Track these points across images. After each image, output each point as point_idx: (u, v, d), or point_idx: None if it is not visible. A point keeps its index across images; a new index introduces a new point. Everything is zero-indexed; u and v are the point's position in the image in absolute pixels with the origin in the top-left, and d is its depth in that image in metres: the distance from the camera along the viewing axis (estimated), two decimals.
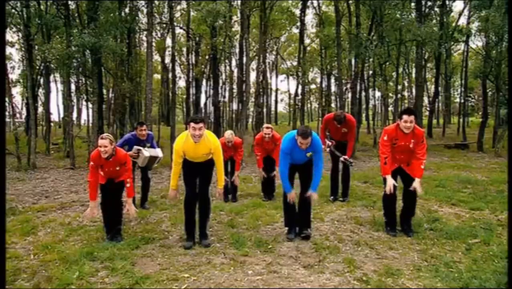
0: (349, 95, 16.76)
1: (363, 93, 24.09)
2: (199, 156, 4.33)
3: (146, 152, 5.84)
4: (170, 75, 17.08)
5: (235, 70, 20.96)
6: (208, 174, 4.54)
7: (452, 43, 20.04)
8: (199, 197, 4.51)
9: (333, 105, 23.85)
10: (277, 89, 45.96)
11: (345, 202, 6.47)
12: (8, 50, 23.21)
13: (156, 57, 25.92)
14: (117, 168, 4.49)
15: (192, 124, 4.11)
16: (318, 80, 29.97)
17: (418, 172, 4.52)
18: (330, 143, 6.38)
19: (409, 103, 24.03)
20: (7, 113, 21.64)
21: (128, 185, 4.51)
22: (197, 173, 4.46)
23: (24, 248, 4.37)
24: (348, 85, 18.79)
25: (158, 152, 6.17)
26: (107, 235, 4.57)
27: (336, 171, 6.63)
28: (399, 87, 21.20)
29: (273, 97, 45.94)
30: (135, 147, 5.84)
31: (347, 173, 6.58)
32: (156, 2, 17.31)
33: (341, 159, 6.33)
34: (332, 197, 6.59)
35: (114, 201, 4.62)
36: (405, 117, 4.35)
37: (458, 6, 43.25)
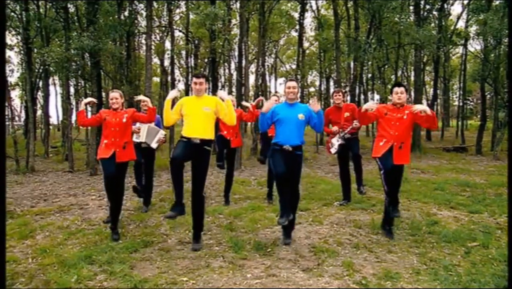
0: (348, 98, 16.76)
1: (362, 96, 24.11)
2: (199, 111, 4.36)
3: (145, 125, 5.92)
4: (169, 78, 17.06)
5: (234, 73, 20.96)
6: (202, 169, 4.36)
7: (451, 46, 20.11)
8: (192, 197, 4.39)
9: None
10: (276, 92, 46.11)
11: (363, 192, 6.40)
12: (7, 53, 23.09)
13: (155, 60, 25.86)
14: (124, 119, 4.83)
15: (194, 79, 4.47)
16: (317, 83, 30.06)
17: (406, 158, 4.54)
18: (340, 135, 6.20)
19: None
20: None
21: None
22: (190, 157, 4.29)
23: (22, 251, 4.36)
24: (347, 88, 18.82)
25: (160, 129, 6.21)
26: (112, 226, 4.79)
27: (345, 173, 6.47)
28: None
29: None
30: (137, 124, 5.88)
31: (358, 163, 6.39)
32: (155, 5, 17.33)
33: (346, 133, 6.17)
34: (344, 201, 6.44)
35: (118, 187, 4.83)
36: (395, 89, 4.65)
37: (456, 9, 43.60)
